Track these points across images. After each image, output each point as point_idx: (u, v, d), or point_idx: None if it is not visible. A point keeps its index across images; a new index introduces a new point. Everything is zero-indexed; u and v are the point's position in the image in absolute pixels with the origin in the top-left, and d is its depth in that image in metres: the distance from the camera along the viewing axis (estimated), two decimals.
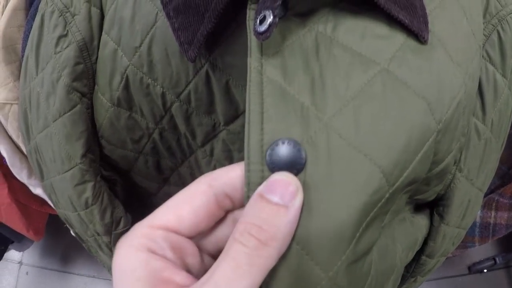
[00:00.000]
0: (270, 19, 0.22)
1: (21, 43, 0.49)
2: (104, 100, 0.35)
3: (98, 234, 0.42)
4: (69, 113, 0.35)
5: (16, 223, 0.77)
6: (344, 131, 0.22)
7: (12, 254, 1.10)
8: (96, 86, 0.36)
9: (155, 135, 0.37)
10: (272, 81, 0.23)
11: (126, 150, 0.39)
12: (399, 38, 0.25)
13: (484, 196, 0.44)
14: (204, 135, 0.35)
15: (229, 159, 0.36)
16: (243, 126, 0.33)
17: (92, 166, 0.38)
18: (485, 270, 0.83)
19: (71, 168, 0.37)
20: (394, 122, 0.23)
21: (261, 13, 0.22)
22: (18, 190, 0.74)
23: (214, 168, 0.38)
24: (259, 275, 0.17)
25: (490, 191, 0.55)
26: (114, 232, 0.42)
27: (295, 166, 0.21)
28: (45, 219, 0.87)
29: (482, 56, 0.32)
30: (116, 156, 0.40)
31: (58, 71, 0.34)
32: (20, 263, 1.09)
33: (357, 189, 0.22)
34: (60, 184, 0.39)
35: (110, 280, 0.88)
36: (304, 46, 0.24)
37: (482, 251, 0.93)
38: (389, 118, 0.23)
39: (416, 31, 0.25)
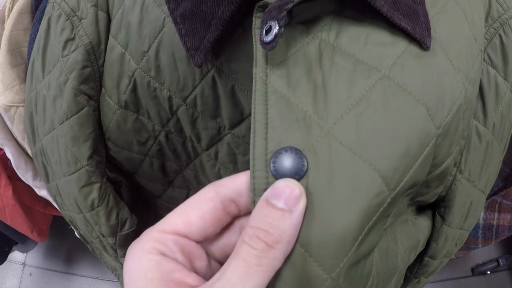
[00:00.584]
0: (276, 29, 0.22)
1: (27, 46, 0.50)
2: (111, 103, 0.35)
3: (103, 236, 0.42)
4: (76, 116, 0.36)
5: (20, 224, 0.78)
6: (345, 138, 0.23)
7: (16, 255, 1.10)
8: (103, 89, 0.36)
9: (161, 138, 0.37)
10: (277, 91, 0.24)
11: (132, 152, 0.39)
12: (401, 44, 0.26)
13: (487, 198, 0.45)
14: (209, 139, 0.36)
15: (234, 163, 0.37)
16: (247, 129, 0.33)
17: (98, 167, 0.38)
18: (488, 272, 0.82)
19: (77, 170, 0.37)
20: (394, 128, 0.24)
21: (267, 23, 0.23)
22: (22, 191, 0.75)
23: (219, 171, 0.38)
24: (267, 275, 0.19)
25: (493, 193, 0.55)
26: (120, 234, 0.43)
27: (298, 173, 0.22)
28: (49, 220, 0.87)
29: (484, 59, 0.32)
30: (122, 158, 0.40)
31: (66, 74, 0.35)
32: (24, 264, 1.09)
33: (358, 195, 0.22)
34: (66, 186, 0.39)
35: (113, 281, 0.88)
36: (308, 55, 0.25)
37: (485, 253, 0.92)
38: (390, 125, 0.24)
39: (419, 38, 0.26)
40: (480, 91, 0.32)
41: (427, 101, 0.25)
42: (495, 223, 0.55)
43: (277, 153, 0.22)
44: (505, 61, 0.32)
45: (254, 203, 0.21)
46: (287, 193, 0.20)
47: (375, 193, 0.23)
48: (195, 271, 0.21)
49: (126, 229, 0.43)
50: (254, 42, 0.24)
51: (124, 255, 0.44)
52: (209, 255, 0.22)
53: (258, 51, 0.24)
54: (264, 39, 0.23)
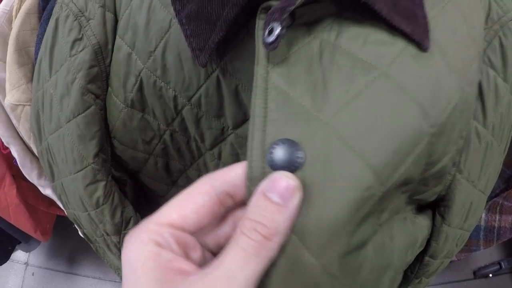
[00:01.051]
0: (277, 31, 0.23)
1: (35, 46, 0.50)
2: (117, 102, 0.36)
3: (108, 234, 0.43)
4: (83, 114, 0.36)
5: (24, 223, 0.78)
6: (341, 131, 0.24)
7: (18, 255, 1.11)
8: (109, 88, 0.37)
9: (166, 137, 0.38)
10: (277, 87, 0.25)
11: (137, 151, 0.40)
12: (399, 44, 0.26)
13: (489, 200, 0.45)
14: (213, 139, 0.36)
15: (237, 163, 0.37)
16: None
17: (104, 166, 0.39)
18: (490, 275, 0.82)
19: (83, 168, 0.38)
20: (387, 125, 0.25)
21: (269, 24, 0.24)
22: (26, 191, 0.75)
23: None
24: (263, 263, 0.20)
25: (495, 194, 0.55)
26: (124, 232, 0.43)
27: (293, 164, 0.23)
28: (53, 220, 0.88)
29: (484, 61, 0.32)
30: (127, 157, 0.40)
31: (73, 74, 0.35)
32: (26, 264, 1.10)
33: (349, 186, 0.23)
34: (72, 184, 0.39)
35: (116, 282, 0.88)
36: (309, 53, 0.26)
37: (487, 255, 0.92)
38: (384, 121, 0.25)
39: (417, 39, 0.26)
40: (479, 92, 0.32)
41: (422, 100, 0.26)
42: (496, 225, 0.55)
43: (274, 145, 0.23)
44: (504, 63, 0.33)
45: (250, 191, 0.22)
46: (284, 186, 0.20)
47: (365, 187, 0.24)
48: (190, 260, 0.22)
49: (131, 227, 0.43)
50: (256, 42, 0.25)
51: None
52: (203, 246, 0.23)
53: (260, 51, 0.25)
54: (267, 40, 0.24)
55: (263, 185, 0.21)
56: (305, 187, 0.22)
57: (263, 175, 0.22)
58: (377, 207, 0.25)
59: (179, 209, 0.21)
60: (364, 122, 0.24)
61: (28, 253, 1.11)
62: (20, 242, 0.90)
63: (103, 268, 1.03)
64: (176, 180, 0.44)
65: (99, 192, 0.39)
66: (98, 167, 0.38)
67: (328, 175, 0.23)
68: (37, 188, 0.65)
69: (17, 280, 1.08)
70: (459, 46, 0.29)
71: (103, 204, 0.40)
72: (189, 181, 0.43)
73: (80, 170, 0.38)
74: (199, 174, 0.41)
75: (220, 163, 0.38)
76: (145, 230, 0.21)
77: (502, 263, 0.83)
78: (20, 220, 0.77)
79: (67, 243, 1.08)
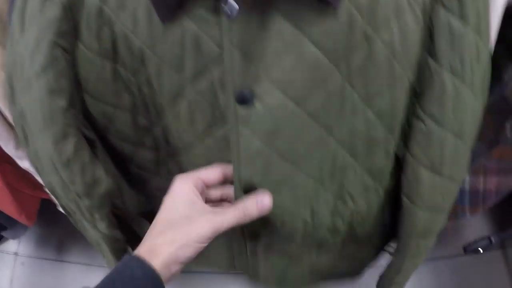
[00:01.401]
0: (235, 8, 0.31)
1: (7, 12, 0.50)
2: (90, 54, 0.37)
3: (80, 197, 0.42)
4: (52, 68, 0.36)
5: (8, 207, 0.77)
6: (273, 79, 0.35)
7: (8, 245, 1.11)
8: (79, 43, 0.37)
9: (134, 89, 0.39)
10: (237, 47, 0.34)
11: (107, 105, 0.40)
12: (318, 8, 0.33)
13: (472, 162, 0.44)
14: (173, 92, 0.38)
15: (192, 121, 0.41)
16: (208, 85, 0.37)
17: (74, 121, 0.39)
18: (481, 250, 0.82)
19: (53, 123, 0.37)
20: (303, 67, 0.35)
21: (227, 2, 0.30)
22: (9, 174, 0.74)
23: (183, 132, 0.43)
24: (241, 222, 0.38)
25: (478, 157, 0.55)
26: (97, 194, 0.43)
27: (250, 101, 0.36)
28: (37, 203, 0.87)
29: (437, 2, 0.34)
30: (97, 112, 0.41)
31: (43, 30, 0.35)
32: (16, 254, 1.09)
33: (270, 110, 0.37)
34: (43, 145, 0.39)
35: (104, 267, 0.88)
36: (259, 19, 0.33)
37: (477, 230, 0.93)
38: (300, 65, 0.35)
39: (333, 4, 0.32)
40: (430, 32, 0.34)
41: (327, 52, 0.35)
42: (481, 188, 0.55)
43: (240, 94, 0.36)
44: (460, 4, 0.33)
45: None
46: (265, 203, 0.39)
47: (284, 106, 0.37)
48: (203, 198, 0.40)
49: (102, 190, 0.43)
50: (222, 5, 0.31)
51: (101, 218, 0.45)
52: (208, 197, 0.42)
53: (225, 21, 0.33)
54: (227, 11, 0.31)
55: (258, 197, 0.39)
56: (256, 116, 0.37)
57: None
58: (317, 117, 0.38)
59: (207, 174, 0.40)
60: (287, 68, 0.35)
61: (18, 244, 1.10)
62: (6, 228, 0.89)
63: (92, 254, 1.03)
64: (143, 139, 0.45)
65: (69, 148, 0.39)
66: (68, 122, 0.38)
67: (265, 107, 0.37)
68: (21, 171, 0.64)
69: (7, 271, 1.07)
70: (379, 5, 0.33)
71: (73, 159, 0.39)
72: (155, 141, 0.45)
73: (50, 126, 0.37)
74: (164, 133, 0.44)
75: (179, 123, 0.41)
76: (188, 177, 0.39)
77: (492, 238, 0.83)
78: (4, 203, 0.76)
79: (55, 231, 1.08)
